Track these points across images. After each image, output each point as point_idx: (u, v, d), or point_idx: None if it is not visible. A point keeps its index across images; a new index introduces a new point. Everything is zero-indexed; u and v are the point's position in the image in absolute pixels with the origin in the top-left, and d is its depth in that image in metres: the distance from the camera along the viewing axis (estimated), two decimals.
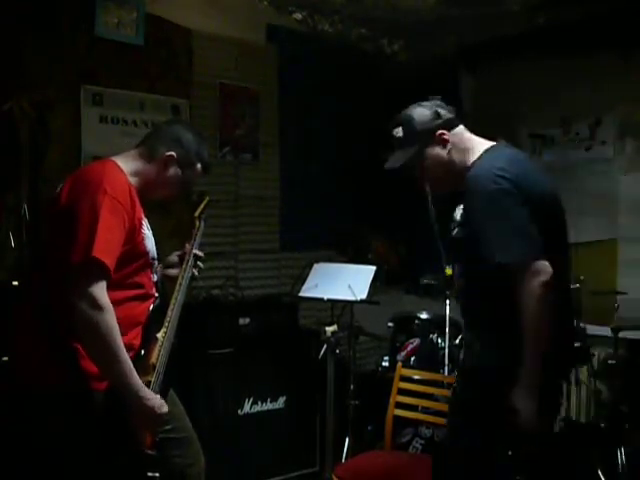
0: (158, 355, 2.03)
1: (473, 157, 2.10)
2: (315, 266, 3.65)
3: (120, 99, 3.59)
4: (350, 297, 3.37)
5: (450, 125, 2.14)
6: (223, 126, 4.07)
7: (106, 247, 1.84)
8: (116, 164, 2.05)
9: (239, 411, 3.41)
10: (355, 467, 2.86)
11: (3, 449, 2.09)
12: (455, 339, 3.61)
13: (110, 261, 1.85)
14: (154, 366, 2.00)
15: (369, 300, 3.41)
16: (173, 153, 2.15)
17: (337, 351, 3.32)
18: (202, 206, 2.42)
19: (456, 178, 2.12)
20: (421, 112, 2.15)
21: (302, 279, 3.64)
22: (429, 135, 2.12)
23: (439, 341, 3.62)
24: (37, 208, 3.17)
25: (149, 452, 1.96)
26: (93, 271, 1.82)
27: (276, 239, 4.40)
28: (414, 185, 2.26)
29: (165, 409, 1.95)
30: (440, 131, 2.12)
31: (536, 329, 1.89)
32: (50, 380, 1.88)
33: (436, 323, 3.66)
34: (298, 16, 4.31)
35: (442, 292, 3.63)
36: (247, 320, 3.51)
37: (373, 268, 3.49)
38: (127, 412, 1.89)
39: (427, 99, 2.20)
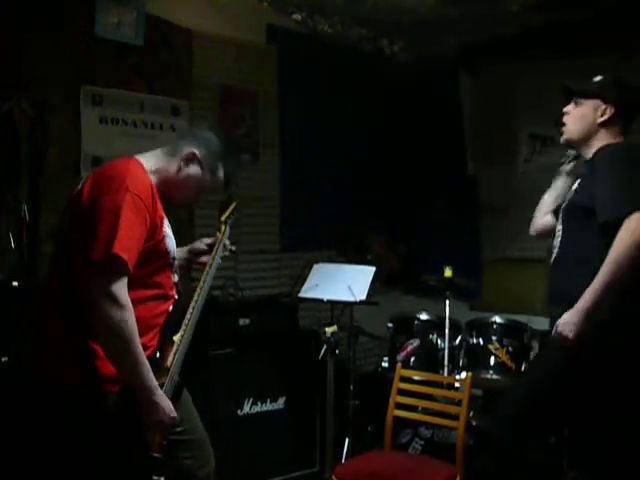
0: (173, 358, 2.01)
1: (606, 141, 2.35)
2: (315, 266, 3.65)
3: (120, 100, 3.58)
4: (350, 298, 3.36)
5: (623, 113, 2.35)
6: (223, 126, 4.06)
7: (127, 244, 1.82)
8: (139, 162, 2.03)
9: (239, 411, 3.41)
10: (355, 467, 2.85)
11: (12, 446, 2.09)
12: (455, 340, 3.62)
13: (130, 257, 1.82)
14: (168, 369, 1.99)
15: (369, 301, 3.41)
16: (196, 151, 2.12)
17: (337, 351, 3.32)
18: (229, 210, 2.36)
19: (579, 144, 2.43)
20: (622, 81, 2.37)
21: (302, 279, 3.64)
22: (609, 97, 2.32)
23: (439, 342, 3.62)
24: (37, 208, 3.17)
25: (156, 455, 1.94)
26: (114, 268, 1.80)
27: (276, 239, 4.40)
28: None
29: (174, 413, 1.93)
30: (609, 105, 2.31)
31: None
32: (65, 380, 1.87)
33: (436, 324, 3.67)
34: (298, 17, 4.32)
35: (442, 292, 3.64)
36: (247, 321, 3.51)
37: (373, 269, 3.48)
38: (139, 414, 1.87)
39: None
